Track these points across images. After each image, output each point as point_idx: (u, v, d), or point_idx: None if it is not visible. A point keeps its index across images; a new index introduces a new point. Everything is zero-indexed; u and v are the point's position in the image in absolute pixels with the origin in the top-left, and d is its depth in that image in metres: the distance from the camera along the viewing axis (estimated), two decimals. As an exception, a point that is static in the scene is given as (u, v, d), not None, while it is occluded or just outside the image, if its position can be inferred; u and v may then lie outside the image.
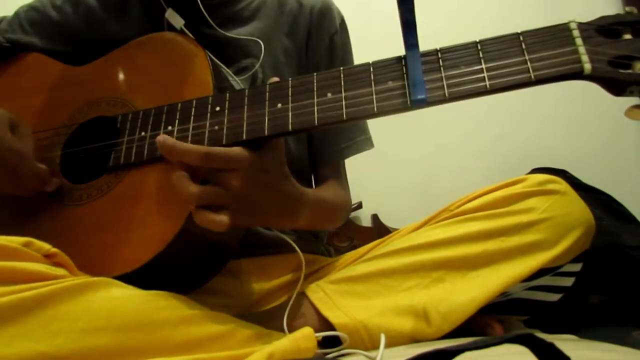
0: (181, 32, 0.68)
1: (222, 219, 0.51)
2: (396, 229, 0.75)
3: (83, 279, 0.45)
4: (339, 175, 0.82)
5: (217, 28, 0.71)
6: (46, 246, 0.47)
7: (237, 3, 0.76)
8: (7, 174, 0.58)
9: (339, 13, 0.82)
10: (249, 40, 0.73)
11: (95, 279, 0.46)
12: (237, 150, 0.52)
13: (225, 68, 0.69)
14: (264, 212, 0.56)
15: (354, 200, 1.36)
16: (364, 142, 0.81)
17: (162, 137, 0.52)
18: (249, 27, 0.75)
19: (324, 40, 0.79)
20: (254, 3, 0.77)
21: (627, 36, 0.46)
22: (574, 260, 0.61)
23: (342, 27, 0.82)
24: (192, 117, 0.57)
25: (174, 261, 0.56)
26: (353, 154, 0.81)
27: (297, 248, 0.65)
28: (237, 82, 0.70)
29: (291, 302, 0.61)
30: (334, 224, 0.78)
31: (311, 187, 0.78)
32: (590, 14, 0.49)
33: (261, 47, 0.72)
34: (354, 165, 0.84)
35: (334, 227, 0.80)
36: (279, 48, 0.76)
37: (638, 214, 1.20)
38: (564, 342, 0.45)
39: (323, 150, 0.80)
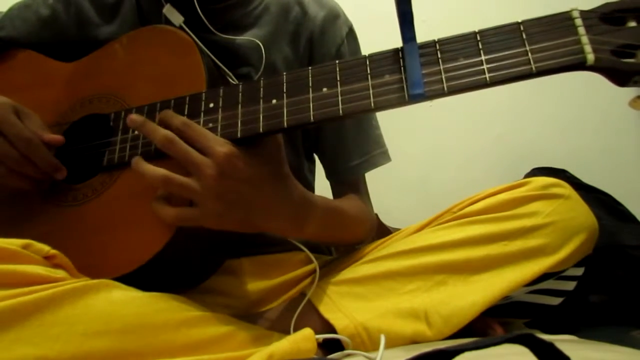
0: (180, 29, 0.67)
1: (170, 212, 0.51)
2: (396, 229, 0.75)
3: (83, 281, 0.45)
4: (359, 189, 0.78)
5: (215, 32, 0.69)
6: (45, 248, 0.46)
7: (239, 9, 0.74)
8: (21, 160, 0.57)
9: (347, 22, 0.79)
10: (248, 48, 0.71)
11: (96, 281, 0.46)
12: (213, 135, 0.51)
13: (224, 67, 0.68)
14: (251, 214, 0.53)
15: (353, 200, 1.35)
16: (380, 156, 0.78)
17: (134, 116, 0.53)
18: (250, 34, 0.73)
19: (329, 50, 0.76)
20: (257, 10, 0.75)
21: (632, 24, 0.45)
22: (576, 265, 0.61)
23: (350, 37, 0.78)
24: (185, 115, 0.56)
25: (172, 260, 0.55)
26: (370, 169, 0.77)
27: (304, 249, 0.63)
28: (236, 82, 0.70)
29: (300, 307, 0.60)
30: (354, 237, 0.74)
31: None
32: (592, 2, 0.48)
33: (262, 54, 0.70)
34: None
35: (356, 241, 0.75)
36: (279, 57, 0.74)
37: (638, 214, 1.20)
38: (564, 342, 0.45)
39: (338, 166, 0.77)
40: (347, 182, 0.78)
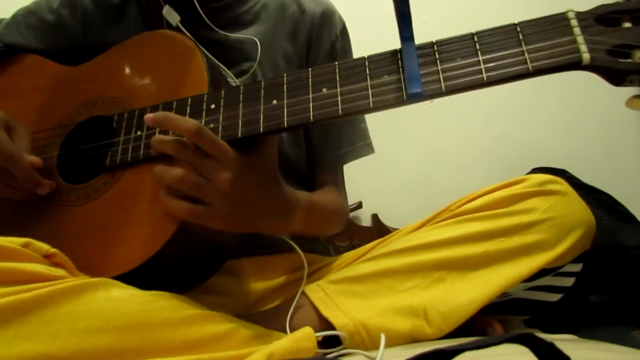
0: (177, 28, 0.68)
1: (183, 206, 0.52)
2: (396, 229, 0.75)
3: (82, 279, 0.45)
4: (337, 181, 0.81)
5: (216, 29, 0.71)
6: (45, 247, 0.47)
7: (239, 6, 0.76)
8: (2, 174, 0.58)
9: (341, 19, 0.82)
10: (248, 43, 0.73)
11: (95, 279, 0.46)
12: (226, 144, 0.52)
13: (224, 67, 0.69)
14: (253, 215, 0.56)
15: (354, 200, 1.36)
16: (363, 148, 0.81)
17: (153, 114, 0.53)
18: (249, 31, 0.75)
19: (324, 46, 0.79)
20: (256, 7, 0.77)
21: (627, 24, 0.45)
22: (575, 261, 0.61)
23: (343, 34, 0.82)
24: (187, 116, 0.57)
25: (171, 260, 0.56)
26: (352, 159, 0.81)
27: (297, 247, 0.64)
28: (235, 82, 0.70)
29: (294, 302, 0.61)
30: (330, 229, 0.78)
31: (309, 191, 0.78)
32: (589, 3, 0.48)
33: (258, 49, 0.72)
34: (353, 164, 0.84)
35: (331, 232, 0.80)
36: (279, 52, 0.76)
37: (638, 214, 1.20)
38: (564, 342, 0.45)
39: (322, 155, 0.80)
40: (329, 170, 0.80)
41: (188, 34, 0.66)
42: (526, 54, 0.47)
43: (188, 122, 0.51)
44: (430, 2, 1.50)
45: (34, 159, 0.60)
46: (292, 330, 0.53)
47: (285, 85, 0.54)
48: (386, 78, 0.50)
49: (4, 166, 0.57)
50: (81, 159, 0.64)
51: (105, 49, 0.70)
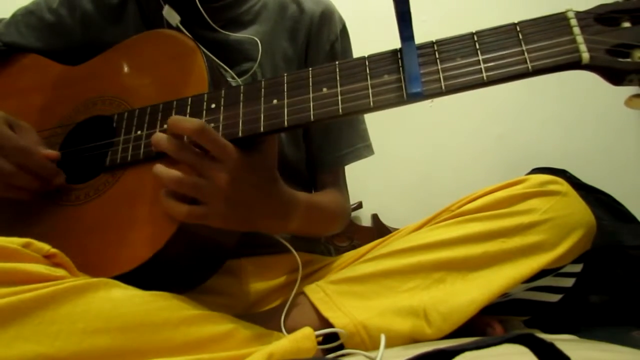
0: (177, 29, 0.68)
1: (182, 209, 0.52)
2: (396, 229, 0.75)
3: (83, 280, 0.45)
4: (338, 181, 0.82)
5: (217, 28, 0.71)
6: (46, 247, 0.47)
7: (239, 7, 0.76)
8: (16, 173, 0.58)
9: (341, 19, 0.82)
10: (249, 43, 0.73)
11: (95, 279, 0.46)
12: (228, 142, 0.52)
13: (224, 66, 0.69)
14: (252, 214, 0.56)
15: (354, 200, 1.36)
16: (364, 149, 0.81)
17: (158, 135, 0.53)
18: (249, 31, 0.75)
19: (324, 47, 0.79)
20: (256, 7, 0.77)
21: (626, 24, 0.46)
22: (575, 261, 0.61)
23: (343, 34, 0.82)
24: (187, 115, 0.57)
25: (172, 260, 0.56)
26: (353, 161, 0.81)
27: (291, 248, 0.65)
28: (237, 81, 0.70)
29: (289, 302, 0.61)
30: (330, 229, 0.78)
31: (309, 191, 0.78)
32: (588, 3, 0.48)
33: (259, 49, 0.73)
34: (354, 164, 0.84)
35: (331, 233, 0.80)
36: (279, 53, 0.76)
37: (638, 214, 1.20)
38: (564, 342, 0.45)
39: (322, 156, 0.80)
40: (330, 171, 0.81)
41: (188, 34, 0.66)
42: (526, 54, 0.47)
43: (191, 121, 0.51)
44: (430, 2, 1.50)
45: (52, 152, 0.60)
46: (291, 330, 0.53)
47: (285, 84, 0.54)
48: (386, 77, 0.50)
49: (21, 162, 0.57)
50: (81, 159, 0.64)
51: (105, 48, 0.70)
